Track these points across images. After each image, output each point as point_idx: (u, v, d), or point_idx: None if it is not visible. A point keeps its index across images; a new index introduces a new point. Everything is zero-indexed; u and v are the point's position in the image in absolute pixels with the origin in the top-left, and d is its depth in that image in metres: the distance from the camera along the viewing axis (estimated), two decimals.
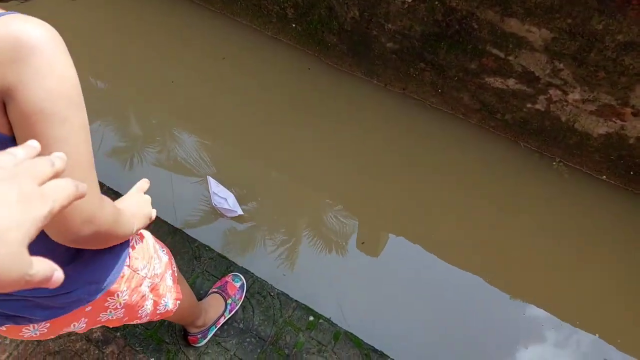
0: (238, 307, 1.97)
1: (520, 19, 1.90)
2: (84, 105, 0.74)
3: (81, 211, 0.76)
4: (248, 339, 1.93)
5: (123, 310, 1.15)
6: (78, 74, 0.74)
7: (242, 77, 2.87)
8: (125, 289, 1.10)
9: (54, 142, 0.70)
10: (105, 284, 1.04)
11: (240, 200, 2.36)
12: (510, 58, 2.07)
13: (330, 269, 2.23)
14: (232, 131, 2.68)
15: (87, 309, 1.07)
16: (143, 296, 1.20)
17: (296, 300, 2.02)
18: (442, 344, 2.04)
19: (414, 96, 2.61)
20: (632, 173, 2.21)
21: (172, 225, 2.20)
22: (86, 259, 0.98)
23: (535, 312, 2.11)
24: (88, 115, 0.76)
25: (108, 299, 1.09)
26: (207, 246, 2.16)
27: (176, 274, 1.40)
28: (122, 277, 1.07)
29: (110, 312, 1.11)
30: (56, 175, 0.48)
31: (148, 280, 1.20)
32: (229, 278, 2.01)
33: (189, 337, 1.85)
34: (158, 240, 1.37)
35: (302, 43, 2.83)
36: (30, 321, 1.02)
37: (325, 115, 2.68)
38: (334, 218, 2.38)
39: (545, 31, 1.88)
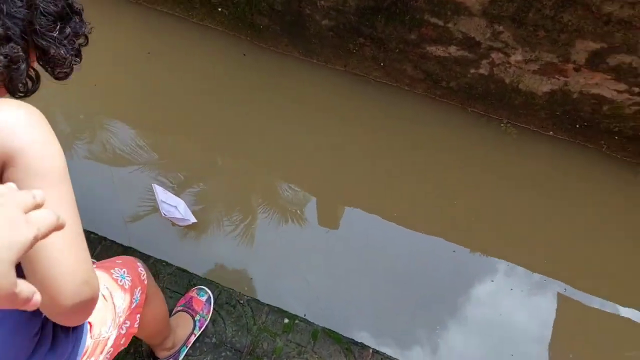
0: (207, 321, 1.88)
1: None
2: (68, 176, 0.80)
3: (77, 272, 0.76)
4: (224, 353, 1.84)
5: None
6: None
7: (172, 72, 2.69)
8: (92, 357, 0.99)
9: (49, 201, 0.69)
10: None
11: (192, 205, 2.24)
12: (450, 25, 2.01)
13: (295, 264, 2.16)
14: (173, 131, 2.52)
15: None
16: (113, 345, 1.09)
17: (268, 305, 1.95)
18: (418, 324, 2.04)
19: (356, 72, 2.53)
20: (577, 126, 2.24)
21: (122, 245, 2.06)
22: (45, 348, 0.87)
23: (504, 272, 2.14)
24: None
25: None
26: (164, 261, 2.04)
27: (146, 284, 1.30)
28: (86, 351, 0.95)
29: None
30: (38, 207, 0.53)
31: (115, 330, 1.10)
32: (193, 293, 1.91)
33: None
34: (113, 262, 1.27)
35: (231, 28, 2.67)
36: None
37: (268, 100, 2.56)
38: (290, 210, 2.30)
39: None
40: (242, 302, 1.95)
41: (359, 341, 1.87)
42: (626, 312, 2.07)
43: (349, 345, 1.86)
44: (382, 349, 1.87)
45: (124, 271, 1.25)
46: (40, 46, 0.86)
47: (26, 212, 0.50)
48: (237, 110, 2.55)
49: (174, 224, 2.20)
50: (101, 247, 2.04)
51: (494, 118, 2.41)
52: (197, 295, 1.90)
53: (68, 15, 0.89)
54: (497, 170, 2.35)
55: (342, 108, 2.51)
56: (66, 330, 0.94)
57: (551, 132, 2.35)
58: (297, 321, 1.91)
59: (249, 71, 2.66)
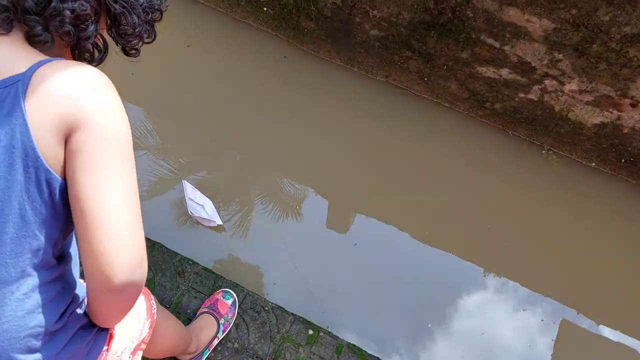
0: (231, 325, 1.84)
1: (520, 8, 1.79)
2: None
3: (135, 251, 0.74)
4: (245, 359, 1.81)
5: None
6: None
7: (210, 66, 2.66)
8: None
9: (113, 171, 0.73)
10: None
11: (220, 206, 2.20)
12: (506, 48, 1.96)
13: (323, 275, 2.12)
14: (205, 128, 2.49)
15: None
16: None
17: (292, 314, 1.90)
18: (444, 348, 1.99)
19: (397, 84, 2.49)
20: (623, 161, 2.18)
21: (149, 239, 2.02)
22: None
23: (538, 304, 2.09)
24: None
25: None
26: (191, 260, 2.00)
27: (154, 315, 1.23)
28: None
29: None
30: None
31: (128, 354, 1.05)
32: (219, 295, 1.87)
33: None
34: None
35: (274, 28, 2.63)
36: None
37: (304, 103, 2.52)
38: (320, 220, 2.25)
39: (547, 21, 1.78)
40: (266, 308, 1.91)
41: (383, 359, 1.83)
42: None
43: None
44: None
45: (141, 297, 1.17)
46: (113, 11, 0.82)
47: None
48: (273, 112, 2.51)
49: (198, 223, 2.16)
50: None
51: (536, 144, 2.35)
52: (223, 298, 1.86)
53: None
54: (533, 194, 2.29)
55: (379, 119, 2.46)
56: (86, 331, 0.88)
57: (594, 164, 2.29)
58: (321, 333, 1.87)
59: (289, 73, 2.62)
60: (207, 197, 2.17)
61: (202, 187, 2.22)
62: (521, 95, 2.14)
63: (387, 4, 2.07)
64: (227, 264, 2.09)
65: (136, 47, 0.91)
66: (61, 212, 0.75)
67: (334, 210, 2.29)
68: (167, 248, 2.01)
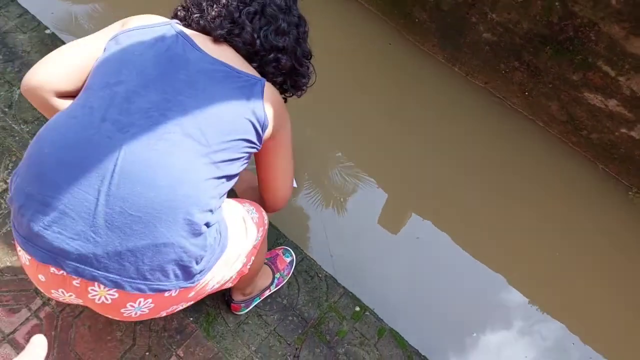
0: (284, 282, 1.91)
1: None
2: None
3: (288, 183, 1.45)
4: (290, 317, 1.87)
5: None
6: None
7: (312, 42, 2.71)
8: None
9: (287, 153, 1.37)
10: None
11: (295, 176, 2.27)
12: (621, 79, 1.91)
13: (380, 257, 2.15)
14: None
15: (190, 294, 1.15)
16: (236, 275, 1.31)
17: (344, 287, 1.95)
18: (484, 350, 1.99)
19: (495, 92, 2.46)
20: None
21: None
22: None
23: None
24: None
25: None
26: None
27: (266, 224, 1.44)
28: (218, 264, 1.18)
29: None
30: None
31: (245, 255, 1.31)
32: (279, 251, 1.94)
33: (232, 304, 1.79)
34: (243, 200, 1.40)
35: (385, 12, 2.65)
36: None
37: (394, 93, 2.54)
38: (390, 207, 2.28)
39: None
40: (320, 275, 1.96)
41: (423, 354, 1.85)
42: None
43: (412, 355, 1.83)
44: None
45: (252, 208, 1.34)
46: (298, 71, 1.41)
47: None
48: (361, 97, 2.54)
49: None
50: None
51: (624, 183, 2.28)
52: (283, 254, 1.93)
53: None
54: (610, 234, 2.23)
55: (466, 124, 2.45)
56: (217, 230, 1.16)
57: None
58: (367, 312, 1.90)
59: (389, 61, 2.64)
60: None
61: None
62: (623, 130, 2.07)
63: (508, 9, 2.05)
64: (292, 226, 2.16)
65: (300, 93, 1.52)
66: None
67: (392, 203, 2.31)
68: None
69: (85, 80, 1.16)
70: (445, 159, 2.38)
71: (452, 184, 2.32)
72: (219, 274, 1.20)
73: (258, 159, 1.34)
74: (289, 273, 1.92)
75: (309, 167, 2.33)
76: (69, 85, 1.17)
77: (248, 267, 1.35)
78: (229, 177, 1.15)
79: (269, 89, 1.20)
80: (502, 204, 2.29)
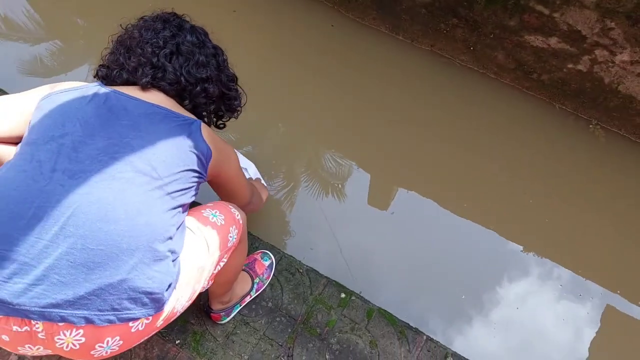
0: (265, 286, 1.90)
1: None
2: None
3: (247, 192, 1.56)
4: (278, 319, 1.86)
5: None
6: None
7: (257, 32, 2.68)
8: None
9: (238, 181, 1.49)
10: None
11: (261, 175, 2.24)
12: (556, 15, 1.90)
13: (357, 242, 2.15)
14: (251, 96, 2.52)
15: (159, 323, 1.16)
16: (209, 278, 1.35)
17: (326, 277, 1.94)
18: (475, 315, 1.99)
19: (442, 53, 2.44)
20: None
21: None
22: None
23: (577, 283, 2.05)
24: None
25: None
26: None
27: (240, 222, 1.43)
28: (182, 282, 1.17)
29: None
30: None
31: (210, 261, 1.30)
32: (257, 256, 1.92)
33: (211, 314, 1.78)
34: (205, 206, 1.39)
35: None
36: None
37: (349, 73, 2.52)
38: (358, 187, 2.27)
39: None
40: (301, 271, 1.96)
41: (414, 326, 1.85)
42: None
43: (403, 329, 1.84)
44: (436, 336, 1.84)
45: (216, 211, 1.36)
46: (227, 94, 1.48)
47: None
48: (316, 82, 2.52)
49: None
50: None
51: (583, 118, 2.28)
52: (261, 259, 1.91)
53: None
54: (578, 170, 2.23)
55: (422, 88, 2.44)
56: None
57: None
58: (353, 297, 1.90)
59: (335, 42, 2.61)
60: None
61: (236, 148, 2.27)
62: (570, 66, 2.06)
63: None
64: (265, 227, 2.15)
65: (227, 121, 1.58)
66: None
67: (374, 182, 2.30)
68: None
69: (22, 135, 1.19)
70: (409, 127, 2.37)
71: (420, 150, 2.31)
72: (185, 294, 1.19)
73: (216, 190, 1.49)
74: (269, 276, 1.91)
75: (275, 161, 2.32)
76: (5, 132, 1.21)
77: (218, 268, 1.38)
78: (183, 207, 1.20)
79: (205, 127, 1.27)
80: (472, 162, 2.28)
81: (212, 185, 1.45)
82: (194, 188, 1.24)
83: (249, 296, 1.84)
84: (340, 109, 2.43)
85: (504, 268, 2.08)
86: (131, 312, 1.04)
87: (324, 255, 2.11)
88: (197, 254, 1.24)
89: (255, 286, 1.85)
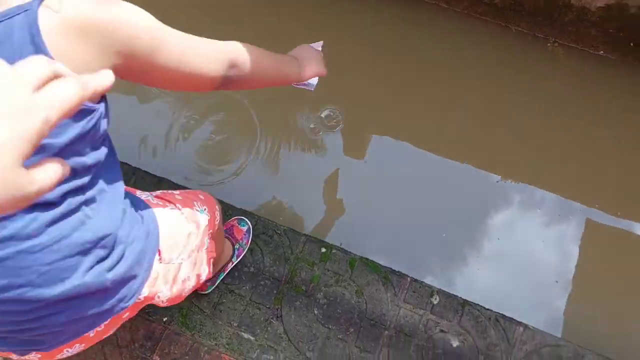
0: (245, 251, 1.88)
1: None
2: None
3: (215, 55, 0.90)
4: (262, 282, 1.86)
5: (166, 303, 1.07)
6: None
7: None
8: (163, 286, 0.99)
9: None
10: (133, 295, 0.94)
11: (217, 133, 2.19)
12: None
13: (331, 194, 2.13)
14: None
15: (125, 316, 1.00)
16: (184, 280, 1.10)
17: (305, 234, 1.93)
18: (454, 251, 2.01)
19: None
20: (631, 44, 2.08)
21: (155, 175, 2.04)
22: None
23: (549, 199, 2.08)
24: None
25: (147, 303, 1.02)
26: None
27: (216, 228, 1.29)
28: (156, 278, 0.96)
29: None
30: (55, 77, 0.41)
31: (187, 261, 1.10)
32: (234, 222, 1.90)
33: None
34: (196, 195, 1.26)
35: None
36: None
37: (308, 17, 2.44)
38: (326, 140, 2.23)
39: None
40: (279, 232, 1.94)
41: (398, 270, 1.86)
42: None
43: (387, 274, 1.85)
44: (421, 277, 1.86)
45: (205, 209, 1.23)
46: None
47: (38, 89, 0.40)
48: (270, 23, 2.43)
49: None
50: (135, 178, 2.03)
51: (540, 37, 2.25)
52: (238, 224, 1.89)
53: None
54: (541, 90, 2.22)
55: (374, 32, 2.37)
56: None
57: (602, 52, 2.19)
58: (334, 250, 1.90)
59: None
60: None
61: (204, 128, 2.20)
62: None
63: None
64: (237, 193, 2.11)
65: None
66: None
67: (347, 131, 2.26)
68: (174, 183, 2.02)
69: None
70: (368, 73, 2.32)
71: (382, 99, 2.27)
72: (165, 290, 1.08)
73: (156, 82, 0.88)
74: (247, 242, 1.89)
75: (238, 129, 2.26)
76: None
77: (210, 271, 1.26)
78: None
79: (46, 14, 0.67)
80: (430, 97, 2.25)
81: (141, 79, 0.85)
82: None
83: (231, 263, 1.83)
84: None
85: (480, 201, 2.09)
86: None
87: (300, 213, 2.09)
88: (177, 250, 1.09)
89: (236, 252, 1.84)
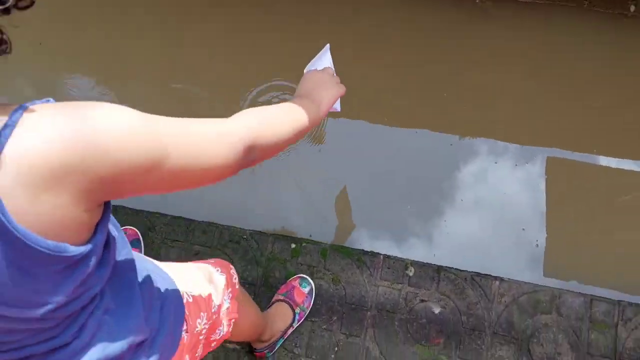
0: (306, 314, 1.77)
1: None
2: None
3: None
4: None
5: None
6: None
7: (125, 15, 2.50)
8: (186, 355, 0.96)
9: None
10: None
11: None
12: None
13: (291, 188, 2.11)
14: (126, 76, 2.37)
15: None
16: (197, 342, 1.03)
17: (272, 234, 1.92)
18: (423, 220, 2.03)
19: None
20: None
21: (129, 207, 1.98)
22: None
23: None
24: None
25: None
26: (157, 213, 1.98)
27: (237, 289, 1.24)
28: (182, 346, 0.92)
29: None
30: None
31: (207, 325, 1.05)
32: (295, 282, 1.80)
33: (255, 352, 1.70)
34: (207, 261, 1.21)
35: None
36: None
37: None
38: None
39: None
40: (245, 237, 1.92)
41: (369, 250, 1.86)
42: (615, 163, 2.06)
43: (360, 256, 1.85)
44: (392, 253, 1.87)
45: (218, 269, 1.19)
46: None
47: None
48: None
49: None
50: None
51: None
52: (300, 285, 1.80)
53: None
54: (478, 48, 2.24)
55: None
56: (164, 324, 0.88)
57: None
58: (304, 244, 1.89)
59: None
60: None
61: None
62: None
63: None
64: (195, 207, 2.07)
65: None
66: None
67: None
68: (129, 208, 1.98)
69: None
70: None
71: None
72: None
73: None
74: (309, 304, 1.78)
75: None
76: None
77: (229, 330, 1.19)
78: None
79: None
80: (365, 64, 2.25)
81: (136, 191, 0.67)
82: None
83: (291, 328, 1.74)
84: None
85: (438, 167, 2.11)
86: None
87: (263, 213, 2.07)
88: (200, 317, 1.04)
89: (296, 317, 1.74)
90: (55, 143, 0.53)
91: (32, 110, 0.55)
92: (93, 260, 0.64)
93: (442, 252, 1.95)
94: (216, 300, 1.09)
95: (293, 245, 1.89)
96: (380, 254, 1.85)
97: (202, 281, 1.09)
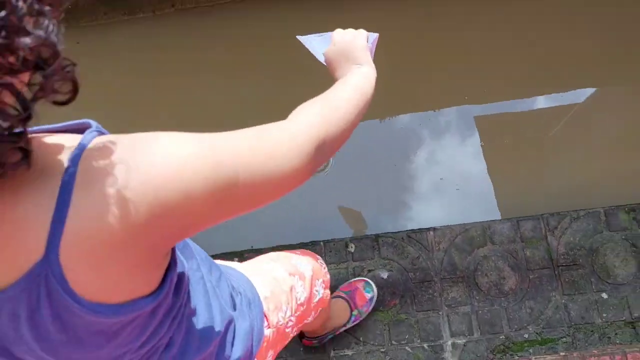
0: (362, 319, 1.75)
1: None
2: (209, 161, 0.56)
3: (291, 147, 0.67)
4: None
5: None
6: None
7: None
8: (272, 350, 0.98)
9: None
10: None
11: None
12: None
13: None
14: None
15: None
16: (284, 335, 1.05)
17: (213, 254, 1.92)
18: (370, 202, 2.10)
19: None
20: None
21: None
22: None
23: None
24: None
25: None
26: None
27: (328, 279, 1.26)
28: (266, 341, 0.93)
29: None
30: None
31: (292, 318, 1.05)
32: (359, 285, 1.78)
33: (304, 339, 1.70)
34: (297, 253, 1.20)
35: None
36: None
37: None
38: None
39: None
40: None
41: (309, 241, 1.91)
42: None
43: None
44: (332, 237, 1.92)
45: (305, 259, 1.18)
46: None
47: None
48: None
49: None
50: None
51: None
52: (363, 289, 1.77)
53: None
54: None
55: None
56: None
57: None
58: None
59: None
60: None
61: None
62: None
63: None
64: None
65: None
66: None
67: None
68: None
69: None
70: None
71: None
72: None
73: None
74: (368, 310, 1.76)
75: None
76: None
77: (311, 319, 1.21)
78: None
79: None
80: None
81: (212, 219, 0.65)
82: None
83: (344, 327, 1.73)
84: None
85: (378, 140, 2.16)
86: None
87: (203, 234, 2.07)
88: (282, 310, 1.04)
89: (352, 318, 1.73)
90: (114, 210, 0.49)
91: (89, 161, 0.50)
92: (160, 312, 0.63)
93: (374, 222, 2.03)
94: (302, 292, 1.08)
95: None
96: (320, 241, 1.90)
97: (282, 274, 1.07)
